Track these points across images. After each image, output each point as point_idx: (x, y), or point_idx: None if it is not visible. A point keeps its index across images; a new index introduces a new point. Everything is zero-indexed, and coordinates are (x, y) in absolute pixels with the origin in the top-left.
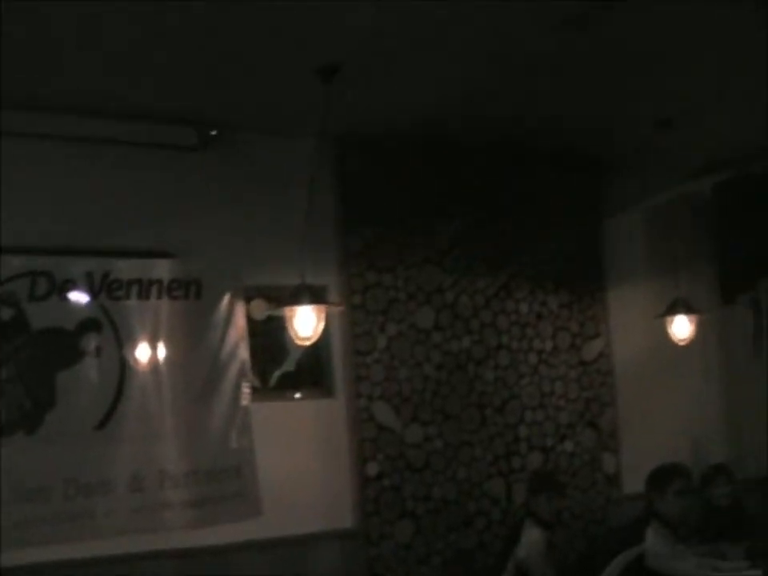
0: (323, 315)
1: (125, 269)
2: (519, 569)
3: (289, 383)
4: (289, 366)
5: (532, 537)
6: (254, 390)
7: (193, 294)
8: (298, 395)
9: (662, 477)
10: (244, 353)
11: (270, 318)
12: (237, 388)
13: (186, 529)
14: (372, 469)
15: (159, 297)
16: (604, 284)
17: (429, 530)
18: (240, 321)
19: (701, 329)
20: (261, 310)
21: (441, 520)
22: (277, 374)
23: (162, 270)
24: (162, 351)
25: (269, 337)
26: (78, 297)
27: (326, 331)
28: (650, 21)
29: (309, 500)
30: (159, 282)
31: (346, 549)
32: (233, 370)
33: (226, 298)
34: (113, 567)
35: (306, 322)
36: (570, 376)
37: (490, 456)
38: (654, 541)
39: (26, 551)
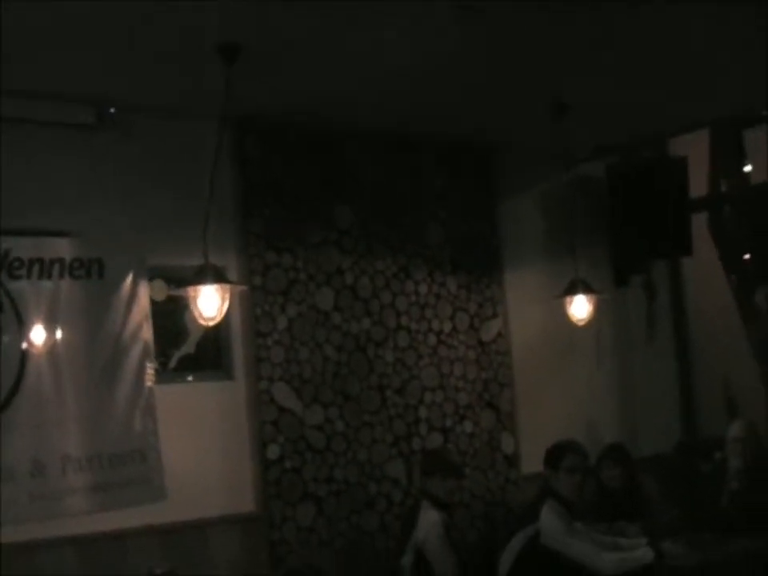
0: (227, 295)
1: (25, 247)
2: (418, 551)
3: (188, 365)
4: (188, 348)
5: (429, 519)
6: (155, 372)
7: (95, 273)
8: (197, 377)
9: (556, 454)
10: (147, 333)
11: (168, 299)
12: (140, 369)
13: (89, 514)
14: (273, 451)
15: (61, 276)
16: (501, 265)
17: (331, 512)
18: (143, 301)
19: (597, 310)
20: (161, 290)
21: (343, 502)
22: (176, 355)
23: (64, 248)
24: (63, 331)
25: (167, 318)
26: None
27: (226, 312)
28: (546, 5)
29: (209, 483)
30: (61, 260)
31: (248, 532)
32: (136, 351)
33: (129, 278)
34: (11, 555)
35: (210, 302)
36: (468, 357)
37: (391, 437)
38: (548, 518)
39: None
